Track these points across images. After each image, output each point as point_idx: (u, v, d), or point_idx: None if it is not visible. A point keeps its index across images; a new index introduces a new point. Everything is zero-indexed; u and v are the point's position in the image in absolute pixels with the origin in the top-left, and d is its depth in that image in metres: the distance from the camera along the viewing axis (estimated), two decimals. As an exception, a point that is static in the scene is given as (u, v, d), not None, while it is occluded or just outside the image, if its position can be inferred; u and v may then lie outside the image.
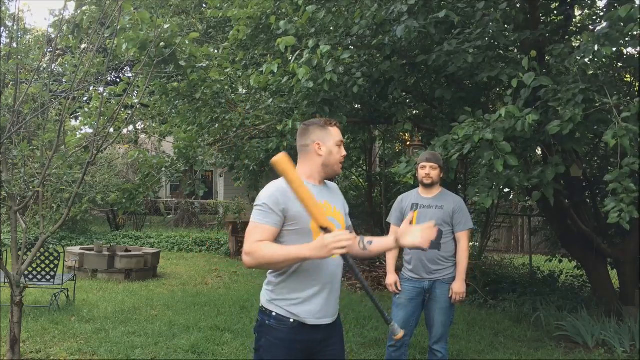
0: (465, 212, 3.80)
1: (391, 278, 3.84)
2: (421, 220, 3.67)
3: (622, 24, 3.94)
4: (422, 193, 3.85)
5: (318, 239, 1.99)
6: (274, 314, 2.20)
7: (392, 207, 4.01)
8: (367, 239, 2.38)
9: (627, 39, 4.14)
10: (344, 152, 2.34)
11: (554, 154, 5.10)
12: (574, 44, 5.89)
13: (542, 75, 4.36)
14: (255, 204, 2.23)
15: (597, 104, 4.14)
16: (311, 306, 2.19)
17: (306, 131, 2.35)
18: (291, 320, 2.18)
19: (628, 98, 4.41)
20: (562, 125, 4.04)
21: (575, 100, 4.04)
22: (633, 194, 3.74)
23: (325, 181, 2.40)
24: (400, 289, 3.81)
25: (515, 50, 5.78)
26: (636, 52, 5.35)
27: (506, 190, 6.97)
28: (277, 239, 2.16)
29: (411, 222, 3.68)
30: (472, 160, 7.83)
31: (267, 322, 2.21)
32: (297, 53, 5.08)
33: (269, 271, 2.24)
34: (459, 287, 3.72)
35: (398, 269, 3.94)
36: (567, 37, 5.94)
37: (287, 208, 2.15)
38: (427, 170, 3.76)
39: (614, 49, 4.07)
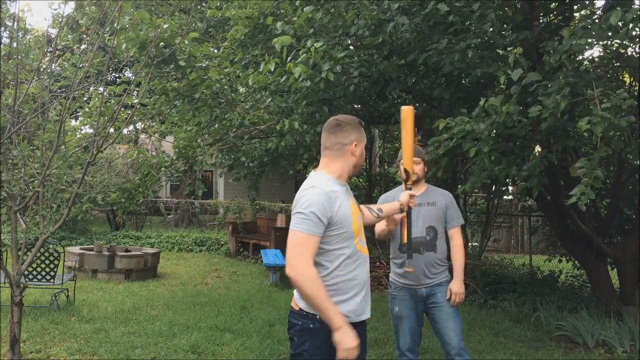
0: (456, 207, 3.56)
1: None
2: (415, 220, 3.35)
3: (621, 23, 3.97)
4: None
5: (347, 332, 2.06)
6: (317, 316, 2.15)
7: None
8: (375, 207, 2.65)
9: (611, 33, 4.18)
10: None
11: (553, 152, 5.12)
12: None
13: (533, 72, 4.39)
14: (299, 210, 2.15)
15: (590, 104, 4.17)
16: (353, 305, 2.23)
17: (341, 129, 2.28)
18: None
19: (613, 90, 4.45)
20: (543, 111, 4.07)
21: (563, 93, 4.07)
22: (598, 180, 3.77)
23: None
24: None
25: (515, 50, 5.78)
26: (635, 52, 5.35)
27: (503, 188, 7.05)
28: (320, 243, 2.16)
29: (402, 225, 3.17)
30: (471, 160, 7.84)
31: (310, 325, 2.17)
32: (293, 53, 5.09)
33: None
34: (458, 287, 3.41)
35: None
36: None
37: (332, 214, 2.15)
38: None
39: (598, 44, 4.13)
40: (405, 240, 3.24)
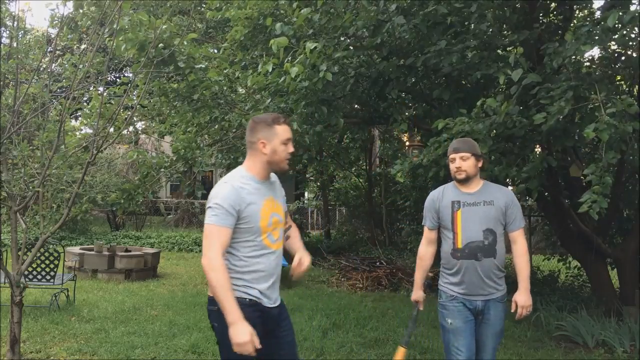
0: (518, 206, 3.11)
1: (419, 294, 3.21)
2: (470, 221, 3.01)
3: (619, 25, 3.97)
4: (461, 188, 3.09)
5: (239, 328, 2.17)
6: None
7: (425, 209, 3.25)
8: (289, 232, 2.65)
9: (615, 36, 4.18)
10: (290, 149, 2.42)
11: (553, 154, 5.13)
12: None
13: (533, 73, 4.39)
14: (209, 204, 2.31)
15: (592, 105, 4.17)
16: (261, 291, 2.37)
17: (253, 128, 2.44)
18: (247, 299, 2.33)
19: (616, 94, 4.44)
20: (548, 117, 4.07)
21: (565, 97, 4.06)
22: (607, 186, 3.76)
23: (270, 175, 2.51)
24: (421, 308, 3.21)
25: (515, 51, 5.79)
26: (634, 53, 5.35)
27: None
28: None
29: (455, 224, 3.02)
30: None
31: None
32: (290, 53, 5.09)
33: (226, 262, 2.33)
34: (525, 298, 2.98)
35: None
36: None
37: (241, 209, 2.29)
38: (457, 162, 3.02)
39: (597, 47, 4.13)
40: (459, 245, 3.00)
